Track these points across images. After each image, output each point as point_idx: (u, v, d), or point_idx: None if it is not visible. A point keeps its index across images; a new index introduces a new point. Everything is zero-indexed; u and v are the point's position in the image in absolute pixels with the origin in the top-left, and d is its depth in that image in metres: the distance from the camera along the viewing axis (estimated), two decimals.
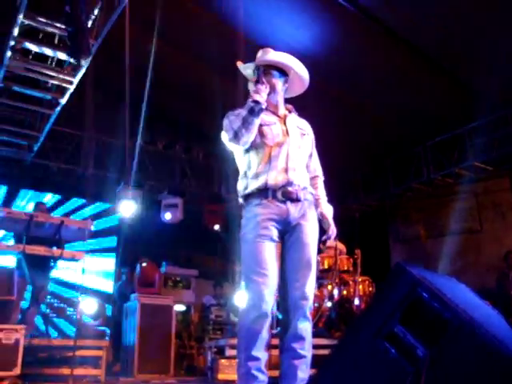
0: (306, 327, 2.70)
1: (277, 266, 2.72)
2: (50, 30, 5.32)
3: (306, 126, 3.07)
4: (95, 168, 8.82)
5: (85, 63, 5.69)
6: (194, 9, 6.51)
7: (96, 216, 9.30)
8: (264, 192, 2.77)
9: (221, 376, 5.28)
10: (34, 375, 5.23)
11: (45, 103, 6.78)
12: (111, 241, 9.54)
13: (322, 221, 2.95)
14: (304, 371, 2.64)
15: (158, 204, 9.63)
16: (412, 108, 8.15)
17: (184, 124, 8.82)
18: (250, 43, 6.14)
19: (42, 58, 5.86)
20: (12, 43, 5.42)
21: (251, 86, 2.91)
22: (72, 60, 5.63)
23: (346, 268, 7.37)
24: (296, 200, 2.78)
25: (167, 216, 9.53)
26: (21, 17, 5.07)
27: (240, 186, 2.92)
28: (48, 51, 5.66)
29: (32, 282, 5.71)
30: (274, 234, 2.73)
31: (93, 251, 8.57)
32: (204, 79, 7.67)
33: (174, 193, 9.56)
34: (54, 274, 6.25)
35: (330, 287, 6.84)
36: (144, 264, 7.19)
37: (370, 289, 7.28)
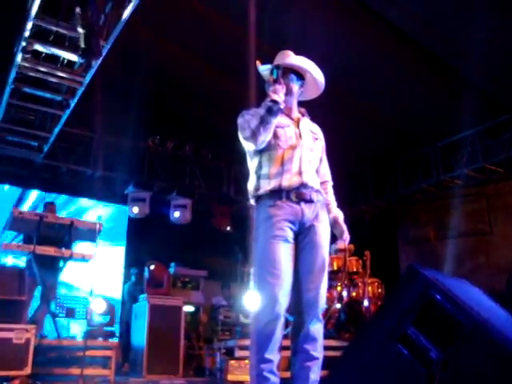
0: (318, 329, 2.70)
1: (291, 267, 2.71)
2: (60, 31, 5.34)
3: (318, 131, 3.08)
4: (104, 169, 8.86)
5: (95, 64, 5.71)
6: (204, 10, 6.52)
7: (105, 217, 9.32)
8: (278, 193, 2.76)
9: (230, 377, 5.28)
10: (44, 375, 5.26)
11: (55, 104, 6.82)
12: (121, 241, 9.56)
13: (333, 226, 2.95)
14: (316, 373, 2.64)
15: (167, 205, 9.65)
16: (422, 109, 8.12)
17: (193, 125, 8.83)
18: (261, 44, 6.15)
19: (52, 60, 5.88)
20: (23, 45, 5.44)
21: (269, 88, 2.89)
22: (82, 61, 5.65)
23: (355, 269, 7.37)
24: (309, 201, 2.78)
25: (176, 216, 9.55)
26: (32, 18, 5.09)
27: (251, 186, 2.91)
28: (59, 52, 5.68)
29: (42, 282, 5.73)
30: (289, 235, 2.72)
31: (102, 252, 8.58)
32: (214, 80, 7.69)
33: (183, 193, 9.58)
34: (63, 274, 6.27)
35: (339, 288, 6.84)
36: (152, 267, 7.20)
37: (380, 290, 7.28)
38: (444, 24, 6.49)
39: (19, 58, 5.66)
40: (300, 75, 2.98)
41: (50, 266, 5.85)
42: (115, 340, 6.31)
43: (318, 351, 2.67)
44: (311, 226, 2.77)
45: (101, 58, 5.56)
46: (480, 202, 9.54)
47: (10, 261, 6.53)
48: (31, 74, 6.03)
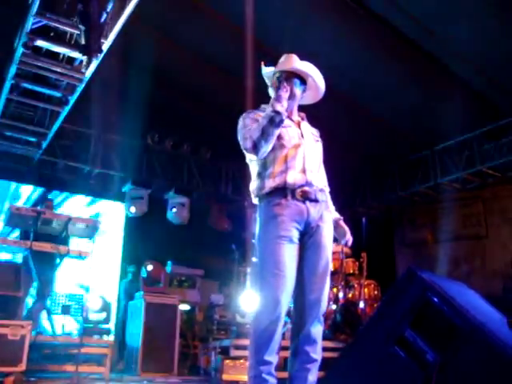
0: (318, 330, 2.70)
1: (294, 268, 2.69)
2: (61, 27, 5.33)
3: (317, 134, 3.09)
4: (102, 166, 8.84)
5: (95, 61, 5.69)
6: (203, 9, 6.52)
7: (102, 214, 9.32)
8: (282, 191, 2.74)
9: (225, 376, 5.28)
10: (39, 371, 5.27)
11: (54, 100, 6.80)
12: (117, 239, 9.55)
13: (335, 228, 2.95)
14: (314, 374, 2.63)
15: (165, 203, 9.64)
16: (420, 112, 8.13)
17: (192, 124, 8.83)
18: (259, 44, 6.15)
19: (52, 56, 5.87)
20: (23, 40, 5.43)
21: (272, 92, 2.88)
22: (83, 58, 5.64)
23: (351, 271, 7.40)
24: (315, 200, 2.78)
25: (174, 215, 9.54)
26: (33, 14, 5.08)
27: (254, 186, 2.89)
28: (59, 49, 5.67)
29: (38, 279, 5.73)
30: (295, 235, 2.70)
31: (99, 249, 8.56)
32: (213, 79, 7.69)
33: (180, 192, 9.57)
34: (59, 270, 6.27)
35: (335, 290, 6.86)
36: (150, 267, 7.18)
37: (376, 292, 7.30)
38: (442, 26, 6.50)
39: (19, 53, 5.64)
40: (303, 80, 2.98)
41: (47, 262, 5.85)
42: (111, 337, 6.32)
43: (317, 353, 2.66)
44: (317, 227, 2.76)
45: (101, 55, 5.55)
46: (477, 206, 9.56)
47: (4, 256, 6.50)
48: (31, 69, 6.02)
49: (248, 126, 2.82)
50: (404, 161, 9.82)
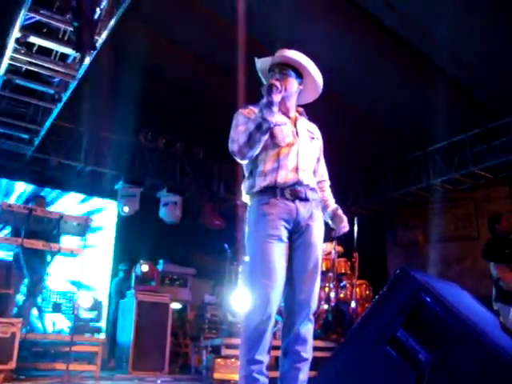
0: (309, 329, 2.69)
1: (284, 268, 2.68)
2: (54, 23, 5.30)
3: (315, 130, 3.05)
4: (95, 164, 8.81)
5: (89, 58, 5.67)
6: (196, 7, 6.50)
7: (94, 212, 9.28)
8: (272, 190, 2.72)
9: (216, 375, 5.28)
10: (29, 369, 5.25)
11: (47, 97, 6.77)
12: (109, 237, 9.52)
13: (333, 218, 2.92)
14: (305, 373, 2.62)
15: (157, 201, 9.62)
16: (413, 113, 8.15)
17: (185, 122, 8.81)
18: (253, 42, 6.14)
19: (45, 52, 5.84)
20: (16, 36, 5.40)
21: (264, 91, 2.72)
22: (76, 55, 5.62)
23: (343, 271, 7.40)
24: (305, 199, 2.76)
25: (166, 213, 9.51)
26: (25, 10, 5.06)
27: (246, 184, 2.87)
28: (52, 45, 5.64)
29: (29, 276, 5.71)
30: (284, 234, 2.69)
31: (90, 247, 8.53)
32: (206, 78, 7.67)
33: (173, 191, 9.54)
34: (50, 268, 6.24)
35: (327, 289, 6.86)
36: (145, 268, 7.14)
37: (367, 292, 7.31)
38: (436, 27, 6.51)
39: (12, 49, 5.61)
40: (299, 73, 2.93)
41: (38, 259, 5.83)
42: (102, 336, 6.30)
43: (307, 352, 2.65)
44: (306, 226, 2.75)
45: (95, 52, 5.53)
46: (468, 207, 9.61)
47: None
48: (24, 66, 5.98)
49: (239, 125, 2.80)
50: (396, 161, 9.85)
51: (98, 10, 5.15)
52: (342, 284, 7.27)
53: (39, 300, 5.97)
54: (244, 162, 2.82)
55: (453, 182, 9.24)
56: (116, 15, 5.17)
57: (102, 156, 8.83)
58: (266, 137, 2.73)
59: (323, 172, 3.10)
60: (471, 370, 1.79)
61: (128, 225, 9.25)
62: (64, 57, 5.92)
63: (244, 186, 2.89)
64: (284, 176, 2.74)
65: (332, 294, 6.85)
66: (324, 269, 6.96)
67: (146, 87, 7.45)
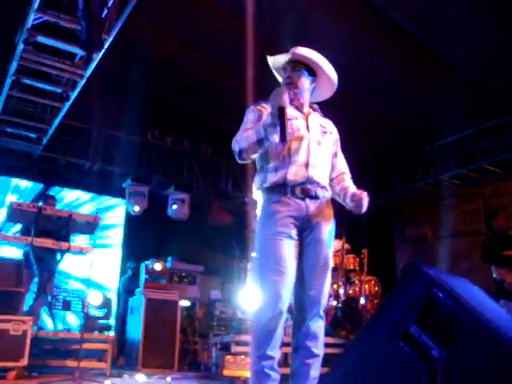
0: (319, 326, 2.70)
1: (294, 264, 2.69)
2: (62, 23, 5.32)
3: (328, 125, 3.02)
4: (103, 162, 8.84)
5: (96, 57, 5.69)
6: (205, 5, 6.50)
7: (103, 210, 9.32)
8: (283, 188, 2.73)
9: (226, 372, 5.29)
10: (41, 366, 5.28)
11: (55, 96, 6.80)
12: (118, 235, 9.56)
13: (352, 197, 2.85)
14: (316, 370, 2.64)
15: (165, 199, 9.64)
16: (421, 108, 8.13)
17: (192, 120, 8.83)
18: (261, 41, 6.14)
19: (53, 52, 5.86)
20: (24, 36, 5.42)
21: (274, 109, 2.59)
22: (84, 54, 5.64)
23: (352, 267, 7.40)
24: (315, 197, 2.76)
25: (174, 211, 9.54)
26: (34, 10, 5.08)
27: (257, 180, 2.88)
28: (60, 45, 5.67)
29: (39, 275, 5.73)
30: (293, 231, 2.70)
31: (99, 245, 8.57)
32: (214, 76, 7.68)
33: (181, 188, 9.56)
34: (60, 266, 6.28)
35: (336, 286, 6.86)
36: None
37: (376, 288, 7.31)
38: (444, 23, 6.49)
39: (20, 49, 5.64)
40: (312, 71, 2.92)
41: (48, 258, 5.86)
42: (111, 333, 6.33)
43: (318, 348, 2.67)
44: (316, 223, 2.75)
45: (102, 51, 5.55)
46: (477, 203, 9.56)
47: (7, 252, 6.51)
48: (32, 65, 6.01)
49: (247, 122, 2.82)
50: (404, 157, 9.83)
51: (105, 8, 5.16)
52: (350, 280, 7.27)
53: (49, 298, 6.00)
54: (242, 162, 2.83)
55: (461, 178, 9.22)
56: (123, 14, 5.18)
57: (110, 154, 8.87)
58: (264, 149, 2.72)
59: (342, 165, 3.07)
60: (485, 365, 1.78)
61: (136, 223, 9.28)
62: (72, 56, 5.94)
63: (255, 181, 2.89)
64: (294, 172, 2.74)
65: (341, 291, 6.85)
66: (333, 265, 6.94)
67: (153, 86, 7.48)
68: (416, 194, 10.17)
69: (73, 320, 7.46)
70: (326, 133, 2.94)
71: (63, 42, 5.61)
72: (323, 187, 2.83)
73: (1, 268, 5.20)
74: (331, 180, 3.00)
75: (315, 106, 3.04)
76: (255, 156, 2.77)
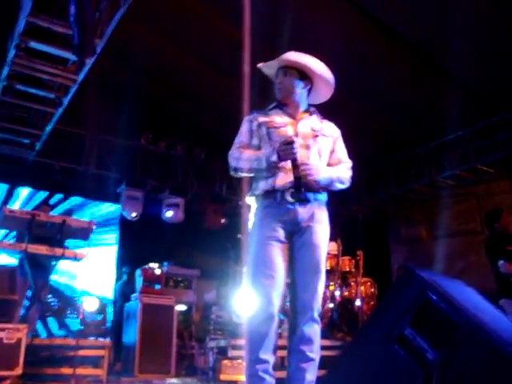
0: (314, 330, 2.69)
1: (284, 268, 2.72)
2: (54, 28, 5.31)
3: (325, 128, 2.98)
4: (97, 167, 8.81)
5: (89, 62, 5.68)
6: (197, 8, 6.49)
7: (97, 215, 9.29)
8: (272, 194, 2.76)
9: (223, 376, 5.28)
10: (36, 375, 5.22)
11: (48, 102, 6.78)
12: (112, 240, 9.53)
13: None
14: (312, 373, 2.63)
15: (160, 204, 9.62)
16: (414, 109, 8.14)
17: (186, 124, 8.81)
18: (256, 44, 6.13)
19: (45, 57, 5.85)
20: (16, 42, 5.41)
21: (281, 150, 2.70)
22: (76, 59, 5.62)
23: (347, 269, 7.39)
24: (305, 201, 2.76)
25: (168, 216, 9.52)
26: (25, 15, 5.06)
27: (251, 186, 2.94)
28: (52, 50, 5.65)
29: (33, 281, 5.69)
30: (281, 234, 2.73)
31: (94, 250, 8.53)
32: (207, 80, 7.66)
33: (175, 193, 9.56)
34: (55, 272, 6.24)
35: (331, 288, 6.86)
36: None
37: (372, 290, 7.31)
38: (436, 25, 6.51)
39: (12, 54, 5.62)
40: (304, 74, 2.91)
41: (42, 264, 5.81)
42: (107, 339, 6.29)
43: (313, 352, 2.66)
44: (307, 227, 2.76)
45: (95, 56, 5.54)
46: (471, 202, 9.58)
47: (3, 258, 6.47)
48: (24, 71, 5.99)
49: (241, 134, 2.92)
50: (398, 158, 9.84)
51: (97, 13, 5.15)
52: (346, 282, 7.27)
53: (44, 305, 5.96)
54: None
55: (455, 178, 9.23)
56: (116, 18, 5.17)
57: (104, 159, 8.85)
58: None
59: (340, 157, 3.04)
60: (479, 367, 1.78)
61: (131, 228, 9.26)
62: (64, 61, 5.93)
63: (251, 187, 2.93)
64: (283, 179, 2.76)
65: (337, 293, 6.86)
66: (329, 267, 6.97)
67: (146, 90, 7.46)
68: (411, 195, 10.18)
69: (68, 327, 7.42)
70: (317, 136, 2.91)
71: (55, 47, 5.60)
72: (314, 191, 2.81)
73: None
74: None
75: (312, 109, 3.02)
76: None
